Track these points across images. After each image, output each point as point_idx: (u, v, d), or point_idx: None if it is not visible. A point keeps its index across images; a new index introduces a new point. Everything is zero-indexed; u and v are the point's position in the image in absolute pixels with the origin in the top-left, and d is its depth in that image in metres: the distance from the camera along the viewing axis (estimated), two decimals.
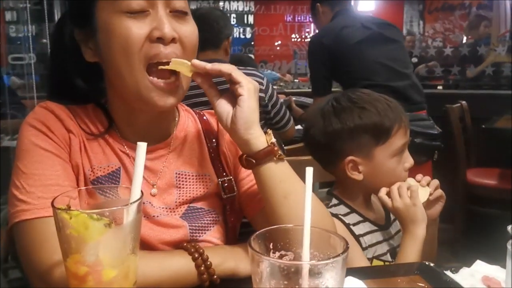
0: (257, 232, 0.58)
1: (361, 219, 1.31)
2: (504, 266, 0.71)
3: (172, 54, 0.87)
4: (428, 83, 4.85)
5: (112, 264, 0.62)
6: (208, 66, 0.88)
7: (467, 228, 3.13)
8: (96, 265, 0.61)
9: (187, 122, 1.06)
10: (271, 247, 0.60)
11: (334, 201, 1.34)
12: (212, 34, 2.19)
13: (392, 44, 2.65)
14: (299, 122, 2.96)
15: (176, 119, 1.05)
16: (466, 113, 3.47)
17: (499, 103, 3.87)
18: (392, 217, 1.39)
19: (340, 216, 1.27)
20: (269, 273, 0.53)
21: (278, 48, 7.55)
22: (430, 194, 1.28)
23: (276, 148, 0.90)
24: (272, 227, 0.61)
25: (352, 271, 0.89)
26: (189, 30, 0.91)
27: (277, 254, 0.60)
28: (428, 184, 1.29)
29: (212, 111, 1.11)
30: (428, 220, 1.32)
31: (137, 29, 0.85)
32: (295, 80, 5.44)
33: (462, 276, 1.05)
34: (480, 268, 1.07)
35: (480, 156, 3.52)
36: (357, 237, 1.26)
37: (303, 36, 7.62)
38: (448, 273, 0.93)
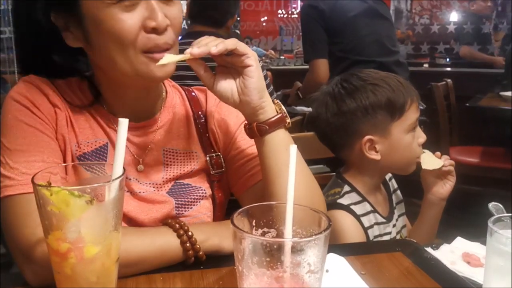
0: (240, 209, 0.58)
1: (370, 209, 1.31)
2: (484, 243, 0.73)
3: (166, 44, 0.86)
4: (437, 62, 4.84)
5: (94, 241, 0.62)
6: (213, 50, 0.84)
7: (449, 206, 3.19)
8: (78, 242, 0.61)
9: (175, 98, 1.05)
10: (254, 224, 0.60)
11: (347, 187, 1.32)
12: (217, 13, 2.12)
13: (384, 21, 2.65)
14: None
15: (164, 95, 1.03)
16: (451, 91, 3.49)
17: (484, 82, 3.90)
18: (395, 211, 1.40)
19: (351, 207, 1.27)
20: (251, 250, 0.53)
21: (264, 24, 7.46)
22: (443, 166, 1.33)
23: (286, 116, 0.92)
24: (255, 204, 0.61)
25: (334, 248, 0.90)
26: (176, 11, 0.89)
27: (260, 231, 0.60)
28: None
29: (202, 87, 1.10)
30: (436, 198, 1.35)
31: (130, 20, 0.83)
32: (281, 57, 5.39)
33: (442, 252, 1.08)
34: (460, 245, 1.10)
35: (463, 134, 3.56)
36: (365, 230, 1.27)
37: (290, 12, 7.53)
38: (429, 249, 0.95)
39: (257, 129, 0.91)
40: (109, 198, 0.62)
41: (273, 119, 0.90)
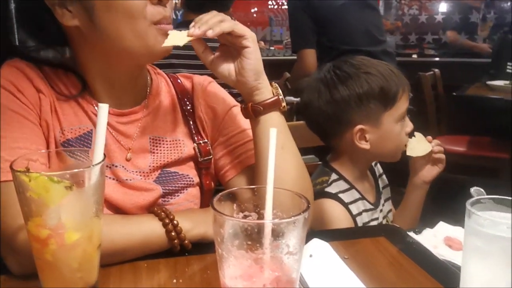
0: (220, 193, 0.58)
1: (358, 196, 1.32)
2: None
3: (170, 18, 0.90)
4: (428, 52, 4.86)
5: (74, 227, 0.62)
6: (210, 33, 0.86)
7: (435, 194, 3.23)
8: (58, 228, 0.60)
9: (160, 85, 1.05)
10: (235, 208, 0.60)
11: (334, 176, 1.32)
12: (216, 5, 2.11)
13: (372, 10, 2.66)
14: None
15: (149, 82, 1.03)
16: (438, 81, 3.52)
17: (471, 71, 3.93)
18: (382, 196, 1.41)
19: (339, 195, 1.27)
20: (230, 233, 0.53)
21: (254, 15, 7.42)
22: (433, 152, 1.33)
23: (282, 99, 0.94)
24: (236, 188, 0.61)
25: (317, 233, 0.90)
26: None
27: (241, 215, 0.60)
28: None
29: (187, 74, 1.11)
30: (420, 182, 1.36)
31: None
32: (270, 48, 5.37)
33: (425, 237, 1.09)
34: (443, 229, 1.11)
35: (450, 123, 3.59)
36: (354, 217, 1.27)
37: (280, 3, 7.50)
38: (412, 234, 0.96)
39: (252, 110, 0.93)
40: (90, 184, 0.62)
41: (268, 101, 0.92)
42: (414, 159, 1.38)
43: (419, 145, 1.33)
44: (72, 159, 0.71)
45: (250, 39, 0.88)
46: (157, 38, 0.88)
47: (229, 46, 0.91)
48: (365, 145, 1.27)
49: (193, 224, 0.89)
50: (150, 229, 0.86)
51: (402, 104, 1.27)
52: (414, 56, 4.90)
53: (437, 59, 4.70)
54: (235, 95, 1.12)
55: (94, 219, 0.64)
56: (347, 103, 1.26)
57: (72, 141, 0.92)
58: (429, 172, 1.38)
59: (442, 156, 1.37)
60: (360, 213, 1.29)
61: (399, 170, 1.48)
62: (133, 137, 0.98)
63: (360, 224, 1.28)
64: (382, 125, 1.26)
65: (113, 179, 0.95)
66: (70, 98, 0.94)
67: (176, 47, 0.89)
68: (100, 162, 0.62)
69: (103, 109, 0.64)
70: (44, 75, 0.93)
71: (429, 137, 1.35)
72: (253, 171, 0.99)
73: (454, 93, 3.21)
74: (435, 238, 1.09)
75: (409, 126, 1.32)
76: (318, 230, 1.19)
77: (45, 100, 0.90)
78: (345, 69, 1.28)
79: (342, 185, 1.31)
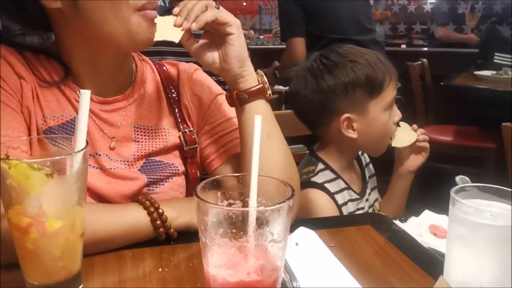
0: (204, 181, 0.58)
1: (344, 186, 1.32)
2: None
3: (155, 3, 0.87)
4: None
5: (56, 215, 0.61)
6: (194, 26, 0.85)
7: (422, 184, 3.26)
8: (40, 216, 0.59)
9: (146, 73, 1.03)
10: (219, 196, 0.60)
11: (321, 165, 1.32)
12: None
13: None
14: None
15: (134, 69, 1.02)
16: (426, 70, 3.53)
17: (459, 61, 3.95)
18: (368, 186, 1.42)
19: (325, 185, 1.27)
20: (214, 221, 0.53)
21: (244, 3, 7.35)
22: (418, 141, 1.34)
23: (267, 87, 0.93)
24: (220, 176, 0.60)
25: (304, 222, 0.90)
26: None
27: (226, 202, 0.60)
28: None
29: (173, 61, 1.10)
30: (405, 171, 1.36)
31: None
32: (260, 37, 5.34)
33: (410, 225, 1.10)
34: (428, 218, 1.12)
35: (438, 113, 3.61)
36: (339, 207, 1.27)
37: None
38: (398, 222, 0.96)
39: (237, 98, 0.92)
40: (71, 172, 0.60)
41: (253, 89, 0.91)
42: (399, 149, 1.38)
43: (405, 135, 1.33)
44: (54, 147, 0.70)
45: (234, 25, 0.87)
46: (141, 25, 0.86)
47: (213, 33, 0.90)
48: (352, 134, 1.27)
49: (179, 213, 0.89)
50: (135, 218, 0.85)
51: (389, 93, 1.27)
52: (403, 46, 4.91)
53: (425, 49, 4.72)
54: (221, 83, 1.11)
55: (77, 207, 0.63)
56: (333, 92, 1.25)
57: (55, 129, 0.90)
58: (414, 162, 1.39)
59: (426, 144, 1.38)
60: (345, 203, 1.29)
61: (386, 160, 1.49)
62: (117, 125, 0.97)
63: (345, 214, 1.28)
64: (369, 113, 1.26)
65: (97, 167, 0.94)
66: (52, 85, 0.92)
67: None
68: (82, 149, 0.61)
69: (85, 95, 0.62)
70: (26, 61, 0.91)
71: (415, 126, 1.36)
72: (239, 160, 0.98)
73: (442, 83, 3.23)
74: (420, 226, 1.09)
75: (397, 115, 1.32)
76: (305, 218, 1.20)
77: (26, 86, 0.89)
78: (332, 58, 1.28)
79: (328, 175, 1.31)
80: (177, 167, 1.02)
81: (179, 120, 1.03)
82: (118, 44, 0.88)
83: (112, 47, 0.90)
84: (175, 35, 0.85)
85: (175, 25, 0.85)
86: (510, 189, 0.66)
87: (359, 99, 1.25)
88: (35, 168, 0.57)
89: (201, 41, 0.90)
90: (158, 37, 0.85)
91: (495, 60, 3.55)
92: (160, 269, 0.78)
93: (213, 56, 0.90)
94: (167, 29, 0.85)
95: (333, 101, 1.26)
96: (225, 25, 0.87)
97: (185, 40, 0.89)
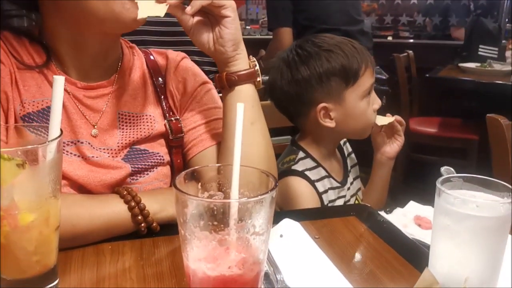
0: (184, 172, 0.56)
1: (325, 174, 1.31)
2: None
3: None
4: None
5: (29, 208, 0.58)
6: (189, 11, 0.84)
7: (408, 175, 3.28)
8: (11, 208, 0.57)
9: (132, 60, 1.01)
10: (199, 187, 0.58)
11: (301, 154, 1.32)
12: None
13: None
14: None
15: (120, 56, 0.99)
16: (412, 62, 3.54)
17: (445, 54, 3.97)
18: (350, 175, 1.41)
19: (306, 172, 1.27)
20: (195, 214, 0.51)
21: None
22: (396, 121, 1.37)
23: (258, 73, 0.93)
24: (201, 166, 0.58)
25: (289, 213, 0.89)
26: None
27: (206, 194, 0.58)
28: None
29: (160, 50, 1.08)
30: (385, 158, 1.37)
31: None
32: (246, 27, 5.29)
33: (395, 216, 1.09)
34: (413, 209, 1.12)
35: (423, 105, 3.63)
36: (320, 194, 1.27)
37: None
38: (383, 213, 0.96)
39: (226, 79, 0.91)
40: (45, 162, 0.58)
41: (244, 72, 0.91)
42: (374, 136, 1.40)
43: (383, 117, 1.37)
44: (32, 135, 0.67)
45: (230, 8, 0.86)
46: (124, 5, 0.83)
47: (208, 14, 0.88)
48: (329, 123, 1.27)
49: (161, 206, 0.86)
50: (115, 212, 0.82)
51: (366, 81, 1.26)
52: (390, 38, 4.91)
53: (411, 41, 4.73)
54: (206, 72, 1.09)
55: (51, 200, 0.60)
56: (308, 82, 1.25)
57: (33, 115, 0.87)
58: (392, 148, 1.40)
59: (398, 126, 1.39)
60: (326, 191, 1.29)
61: (369, 152, 1.49)
62: (101, 112, 0.94)
63: (326, 202, 1.28)
64: (345, 102, 1.26)
65: (78, 156, 0.91)
66: (33, 69, 0.88)
67: (148, 24, 0.84)
68: (56, 138, 0.58)
69: (59, 81, 0.59)
70: (5, 44, 0.87)
71: (388, 114, 1.38)
72: (216, 151, 0.97)
73: (427, 75, 3.24)
74: (405, 218, 1.09)
75: (376, 102, 1.32)
76: (289, 210, 1.19)
77: (4, 70, 0.85)
78: (307, 48, 1.27)
79: (308, 163, 1.31)
80: (162, 156, 1.00)
81: (165, 108, 1.01)
82: (102, 23, 0.85)
83: (96, 27, 0.87)
84: (159, 10, 0.82)
85: (166, 3, 0.82)
86: (496, 180, 0.65)
87: (334, 88, 1.24)
88: (5, 158, 0.54)
89: (197, 18, 0.88)
90: (142, 14, 0.82)
91: (479, 53, 3.56)
92: (141, 263, 0.76)
93: (208, 36, 0.89)
94: (150, 6, 0.83)
95: (309, 92, 1.26)
96: (221, 7, 0.85)
97: (180, 16, 0.87)
